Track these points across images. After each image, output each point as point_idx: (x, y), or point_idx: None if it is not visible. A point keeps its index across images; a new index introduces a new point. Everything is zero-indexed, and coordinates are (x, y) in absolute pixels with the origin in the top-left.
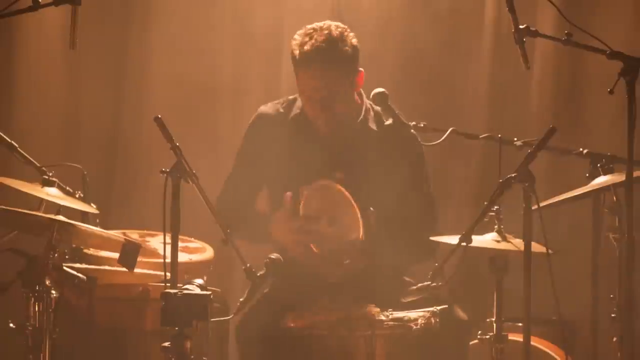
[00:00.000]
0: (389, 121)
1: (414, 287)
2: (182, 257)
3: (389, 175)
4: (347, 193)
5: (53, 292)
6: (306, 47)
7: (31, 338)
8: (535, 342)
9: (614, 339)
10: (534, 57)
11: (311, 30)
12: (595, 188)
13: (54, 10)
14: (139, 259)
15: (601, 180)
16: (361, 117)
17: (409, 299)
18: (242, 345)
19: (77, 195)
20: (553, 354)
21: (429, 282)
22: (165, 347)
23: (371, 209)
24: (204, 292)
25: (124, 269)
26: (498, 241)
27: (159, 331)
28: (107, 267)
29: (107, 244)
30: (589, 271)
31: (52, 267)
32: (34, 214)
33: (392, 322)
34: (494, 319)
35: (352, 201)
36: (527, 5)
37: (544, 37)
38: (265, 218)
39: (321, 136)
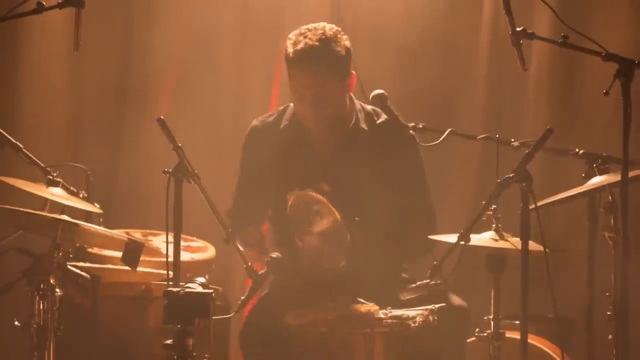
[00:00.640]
0: (381, 119)
1: (413, 285)
2: (184, 256)
3: (384, 173)
4: (327, 203)
5: (57, 290)
6: (299, 46)
7: (36, 336)
8: (532, 339)
9: (610, 337)
10: (530, 59)
11: (305, 30)
12: (591, 188)
13: (58, 12)
14: (142, 257)
15: (597, 180)
16: (353, 120)
17: (408, 297)
18: (245, 343)
19: (81, 195)
20: (550, 351)
21: (427, 280)
22: (167, 344)
23: (356, 218)
24: (206, 291)
25: (127, 268)
26: (496, 240)
27: (161, 329)
28: (110, 266)
29: (110, 243)
30: (585, 270)
31: (56, 266)
32: (38, 214)
33: (391, 320)
34: (491, 317)
35: (334, 210)
36: (524, 8)
37: (541, 39)
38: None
39: (313, 143)
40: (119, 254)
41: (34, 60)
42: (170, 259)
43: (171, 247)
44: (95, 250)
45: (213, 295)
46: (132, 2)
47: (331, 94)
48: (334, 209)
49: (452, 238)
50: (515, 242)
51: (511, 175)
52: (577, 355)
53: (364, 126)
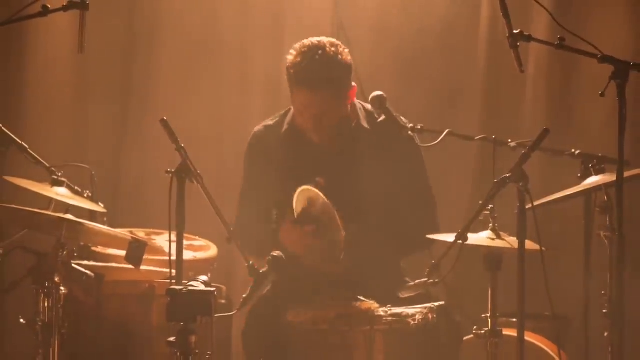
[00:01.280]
0: (382, 118)
1: (412, 284)
2: (187, 255)
3: (386, 169)
4: (323, 197)
5: (62, 288)
6: (300, 67)
7: (41, 333)
8: (529, 337)
9: (605, 334)
10: (527, 61)
11: (306, 49)
12: (587, 188)
13: (63, 15)
14: (145, 256)
15: (593, 180)
16: (355, 121)
17: (407, 295)
18: (247, 340)
19: (85, 195)
20: (546, 348)
21: (425, 279)
22: (170, 341)
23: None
24: (208, 289)
25: (131, 266)
26: (493, 239)
27: (164, 326)
28: (114, 265)
29: (114, 242)
30: (581, 268)
31: (61, 265)
32: (43, 213)
33: (390, 318)
34: (488, 315)
35: (330, 204)
36: (521, 11)
37: (538, 41)
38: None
39: (313, 146)
40: (123, 253)
41: (39, 62)
42: (173, 257)
43: (174, 246)
44: (99, 249)
45: (215, 293)
46: (136, 5)
47: (331, 109)
48: (330, 204)
49: (450, 237)
50: (512, 241)
51: (508, 175)
52: (574, 353)
53: (366, 125)
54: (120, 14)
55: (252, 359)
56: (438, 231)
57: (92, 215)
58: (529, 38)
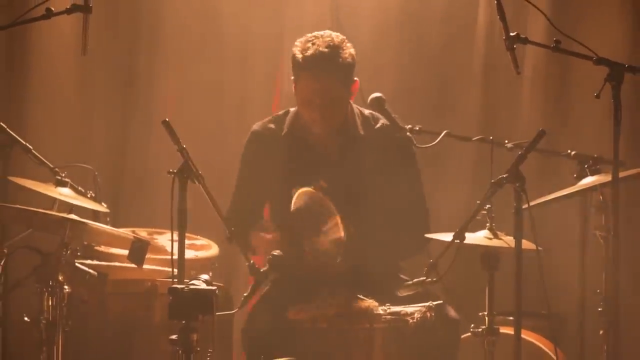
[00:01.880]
0: (379, 124)
1: (410, 282)
2: (189, 254)
3: (380, 176)
4: (326, 199)
5: (66, 287)
6: (309, 52)
7: (45, 331)
8: (525, 335)
9: (601, 332)
10: (524, 63)
11: (313, 37)
12: (582, 188)
13: (67, 18)
14: (148, 255)
15: (588, 180)
16: (351, 125)
17: (405, 294)
18: (247, 339)
19: (88, 195)
20: (542, 346)
21: (424, 278)
22: (172, 339)
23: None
24: (210, 288)
25: (134, 265)
26: (490, 238)
27: (166, 324)
28: (117, 264)
29: (117, 241)
30: (577, 267)
31: (64, 264)
32: (47, 213)
33: (389, 316)
34: (486, 313)
35: (332, 206)
36: (517, 14)
37: (534, 44)
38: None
39: (314, 149)
40: (126, 252)
41: (43, 64)
42: (175, 256)
43: (176, 245)
44: (102, 248)
45: (216, 292)
46: (139, 8)
47: (338, 99)
48: (332, 206)
49: (447, 237)
50: (509, 240)
51: (505, 175)
52: (570, 350)
53: (361, 131)
54: (123, 16)
55: (253, 357)
56: (427, 241)
57: (95, 215)
58: (526, 40)
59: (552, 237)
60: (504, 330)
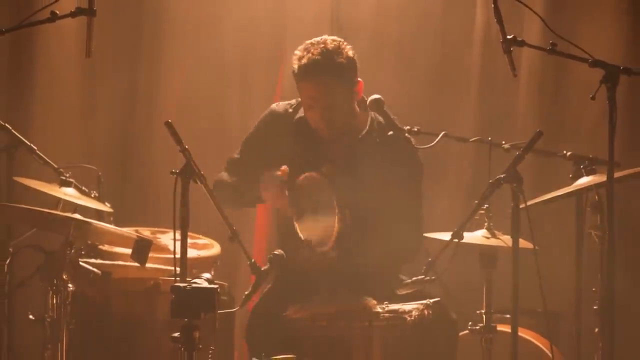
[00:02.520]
0: (391, 132)
1: (408, 281)
2: (191, 253)
3: (383, 180)
4: (328, 187)
5: (70, 285)
6: (303, 61)
7: (49, 329)
8: (522, 332)
9: (596, 330)
10: (520, 65)
11: (309, 45)
12: (578, 188)
13: (71, 21)
14: (151, 254)
15: (584, 180)
16: (366, 129)
17: (404, 292)
18: (250, 336)
19: (92, 195)
20: (539, 343)
21: (422, 276)
22: (175, 337)
23: (346, 211)
24: (211, 286)
25: (137, 264)
26: (488, 237)
27: (169, 322)
28: (120, 263)
29: (120, 240)
30: (573, 266)
31: (69, 263)
32: (52, 213)
33: (388, 314)
34: (483, 311)
35: (333, 195)
36: (514, 17)
37: (530, 46)
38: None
39: (320, 140)
40: (129, 251)
41: (48, 67)
42: (178, 255)
43: (178, 244)
44: (106, 247)
45: (218, 290)
46: (142, 11)
47: (338, 102)
48: (334, 196)
49: (446, 236)
50: (506, 239)
51: (502, 176)
52: (565, 348)
53: (375, 136)
54: (126, 19)
55: (256, 354)
56: (420, 251)
57: (99, 215)
58: (522, 43)
59: (548, 236)
60: (501, 327)
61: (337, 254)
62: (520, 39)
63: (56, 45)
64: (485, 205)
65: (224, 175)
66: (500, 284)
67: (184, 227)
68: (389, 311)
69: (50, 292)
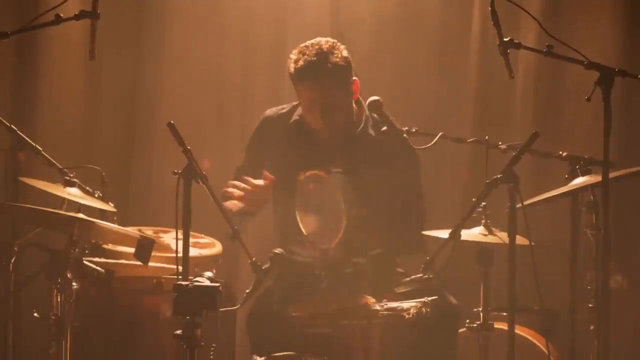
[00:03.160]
0: (384, 128)
1: (407, 279)
2: (193, 252)
3: (383, 176)
4: (334, 186)
5: (74, 284)
6: (299, 64)
7: (54, 327)
8: (518, 329)
9: (591, 327)
10: (517, 67)
11: (304, 48)
12: (574, 188)
13: (75, 23)
14: (153, 253)
15: (579, 180)
16: (361, 125)
17: (402, 290)
18: (251, 333)
19: (96, 195)
20: (535, 341)
21: (420, 274)
22: (177, 334)
23: (353, 209)
24: (213, 284)
25: (140, 263)
26: (485, 235)
27: (171, 320)
28: (123, 261)
29: (123, 239)
30: (569, 264)
31: (73, 261)
32: (56, 212)
33: (386, 312)
34: (480, 309)
35: (339, 194)
36: (510, 20)
37: (527, 49)
38: None
39: (318, 140)
40: (132, 250)
41: (52, 69)
42: (180, 254)
43: (180, 243)
44: (109, 246)
45: (220, 288)
46: (145, 14)
47: (335, 102)
48: (341, 197)
49: (444, 234)
50: (503, 236)
51: (499, 176)
52: (561, 345)
53: (372, 132)
54: (129, 22)
55: (256, 352)
56: (423, 240)
57: (102, 214)
58: (519, 45)
59: (544, 235)
60: (498, 325)
61: (339, 251)
62: (516, 42)
63: (60, 48)
64: (483, 204)
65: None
66: (497, 281)
67: (186, 226)
68: (388, 309)
69: (55, 291)
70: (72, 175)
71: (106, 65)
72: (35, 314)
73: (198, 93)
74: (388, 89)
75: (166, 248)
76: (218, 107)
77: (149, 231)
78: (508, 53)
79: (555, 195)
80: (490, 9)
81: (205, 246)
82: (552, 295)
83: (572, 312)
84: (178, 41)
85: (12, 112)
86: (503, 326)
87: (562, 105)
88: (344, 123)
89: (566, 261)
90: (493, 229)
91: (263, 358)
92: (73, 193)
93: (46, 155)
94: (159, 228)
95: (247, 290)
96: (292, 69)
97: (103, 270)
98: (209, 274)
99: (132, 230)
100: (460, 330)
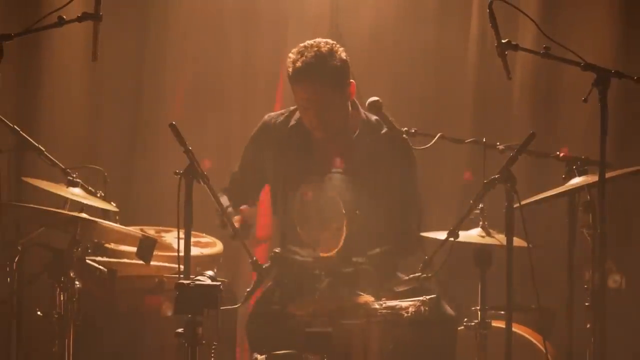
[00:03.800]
0: (384, 130)
1: (406, 278)
2: (194, 251)
3: (380, 178)
4: (335, 194)
5: (77, 283)
6: (297, 64)
7: (57, 325)
8: (516, 328)
9: (588, 325)
10: (515, 68)
11: (303, 48)
12: (570, 188)
13: (78, 26)
14: (155, 252)
15: (576, 181)
16: (358, 130)
17: (401, 289)
18: (250, 331)
19: (98, 195)
20: (532, 339)
21: (419, 274)
22: (179, 332)
23: (357, 212)
24: (214, 283)
25: (142, 262)
26: (482, 236)
27: (173, 318)
28: (126, 260)
29: (126, 239)
30: (565, 263)
31: (76, 260)
32: (59, 212)
33: (385, 311)
34: (478, 308)
35: (340, 202)
36: (508, 21)
37: (524, 50)
38: None
39: (317, 144)
40: (134, 249)
41: (55, 70)
42: (181, 253)
43: (182, 242)
44: (111, 245)
45: (221, 287)
46: (147, 16)
47: (332, 103)
48: (341, 203)
49: (442, 234)
50: (500, 238)
51: (497, 176)
52: (558, 343)
53: (367, 136)
54: (132, 24)
55: (256, 350)
56: (420, 241)
57: (105, 214)
58: (517, 47)
59: (541, 235)
60: (495, 323)
61: (339, 254)
62: (514, 43)
63: (63, 49)
64: (481, 205)
65: (225, 193)
66: (495, 281)
67: (187, 226)
68: (386, 307)
69: (58, 289)
70: (74, 175)
71: (108, 67)
72: (39, 313)
73: (199, 94)
74: (387, 90)
75: (168, 247)
76: (219, 108)
77: (150, 231)
78: (506, 54)
79: (552, 196)
80: (488, 10)
81: (207, 245)
82: (549, 294)
83: (569, 310)
84: (179, 42)
85: (16, 113)
86: (500, 324)
87: (559, 106)
88: (339, 124)
89: (563, 260)
90: (491, 230)
91: (264, 356)
92: (76, 193)
93: (49, 156)
94: (160, 227)
95: (248, 289)
96: (290, 70)
97: (105, 270)
98: (210, 272)
99: (134, 229)
100: (458, 329)
